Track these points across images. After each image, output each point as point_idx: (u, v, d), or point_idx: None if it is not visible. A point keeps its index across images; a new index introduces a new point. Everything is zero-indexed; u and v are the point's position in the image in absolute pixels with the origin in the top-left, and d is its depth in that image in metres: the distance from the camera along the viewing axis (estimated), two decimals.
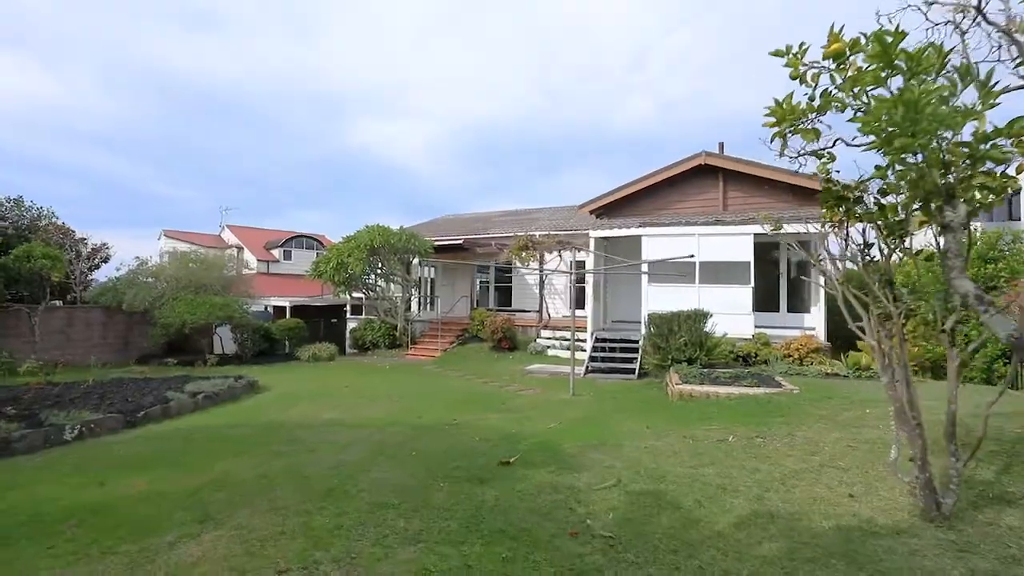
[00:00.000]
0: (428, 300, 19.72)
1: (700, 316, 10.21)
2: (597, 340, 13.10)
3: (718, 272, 12.69)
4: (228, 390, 9.73)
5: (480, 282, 21.00)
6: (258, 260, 26.47)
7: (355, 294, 18.72)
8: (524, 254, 17.13)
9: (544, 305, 16.72)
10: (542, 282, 16.86)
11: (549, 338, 15.99)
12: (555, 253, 17.37)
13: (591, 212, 15.14)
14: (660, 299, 12.51)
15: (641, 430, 6.43)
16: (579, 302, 20.12)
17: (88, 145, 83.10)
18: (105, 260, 18.76)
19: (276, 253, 25.61)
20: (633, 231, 12.97)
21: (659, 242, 12.74)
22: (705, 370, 9.33)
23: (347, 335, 19.46)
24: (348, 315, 20.29)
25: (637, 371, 11.81)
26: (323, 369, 14.78)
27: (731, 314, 11.75)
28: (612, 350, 12.87)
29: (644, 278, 12.89)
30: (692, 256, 11.96)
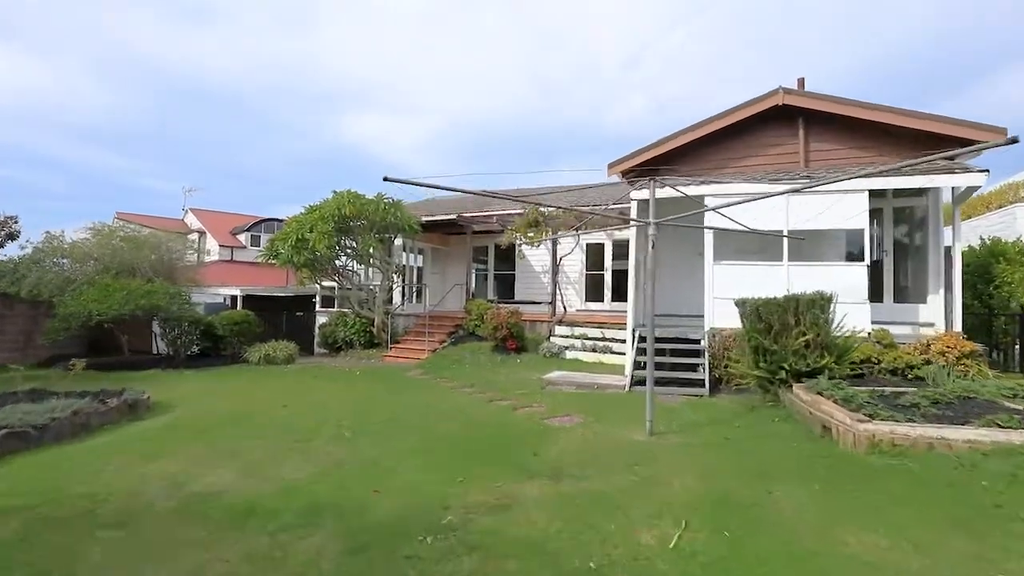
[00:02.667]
0: (414, 290, 15.72)
1: (822, 302, 6.36)
2: (644, 340, 9.21)
3: (813, 245, 8.91)
4: (75, 417, 5.68)
5: (477, 270, 17.05)
6: (220, 246, 22.29)
7: (325, 282, 14.68)
8: (532, 234, 13.22)
9: (559, 296, 12.81)
10: (556, 267, 12.96)
11: (566, 336, 12.09)
12: (569, 234, 13.48)
13: (623, 173, 11.28)
14: (732, 283, 8.70)
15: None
16: (595, 293, 16.28)
17: (75, 137, 77.77)
18: (12, 237, 14.48)
19: (242, 239, 21.57)
20: (693, 190, 9.12)
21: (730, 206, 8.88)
22: (867, 389, 5.47)
23: (316, 332, 15.40)
24: (318, 308, 16.23)
25: (707, 383, 7.97)
26: (270, 376, 10.72)
27: (839, 303, 7.95)
28: (662, 352, 9.01)
29: (708, 256, 9.04)
30: (776, 228, 8.15)
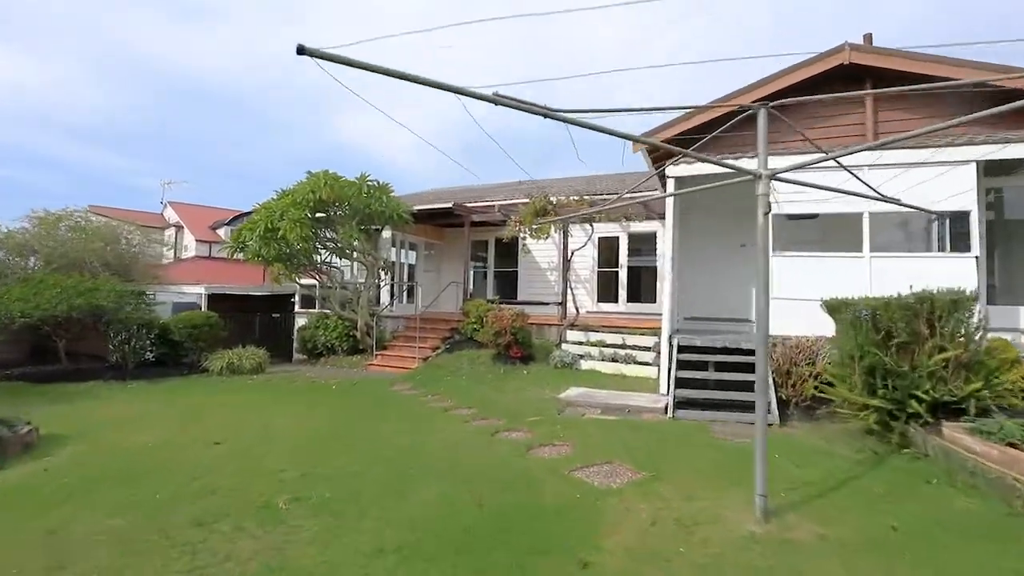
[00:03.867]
0: (404, 289, 13.77)
1: (967, 302, 4.46)
2: (683, 350, 7.30)
3: (893, 233, 7.05)
4: None
5: (475, 267, 15.12)
6: (197, 241, 20.25)
7: (305, 280, 12.72)
8: (537, 228, 11.30)
9: (571, 295, 10.89)
10: (567, 263, 11.04)
11: (580, 343, 10.18)
12: (580, 213, 11.61)
13: (649, 151, 9.35)
14: (798, 280, 6.82)
15: None
16: (607, 292, 14.36)
17: (75, 137, 75.40)
18: None
19: (222, 233, 19.60)
20: (745, 164, 7.21)
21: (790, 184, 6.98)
22: None
23: (295, 336, 13.43)
24: (297, 308, 14.24)
25: (776, 409, 6.07)
26: (228, 391, 8.75)
27: None
28: (700, 365, 7.12)
29: (767, 246, 7.10)
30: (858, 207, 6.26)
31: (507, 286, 14.66)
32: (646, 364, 9.11)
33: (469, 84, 2.72)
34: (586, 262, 13.01)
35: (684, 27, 77.13)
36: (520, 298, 13.70)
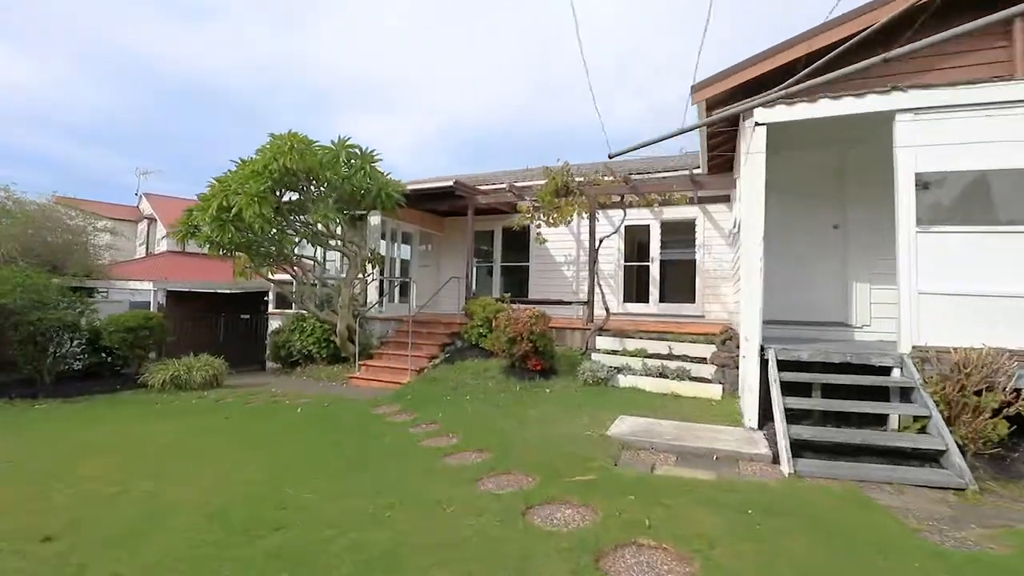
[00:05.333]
0: (396, 286, 11.52)
1: None
2: (786, 366, 5.04)
3: None
4: None
5: (478, 262, 12.90)
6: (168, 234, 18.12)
7: (278, 275, 10.46)
8: (556, 214, 9.11)
9: (600, 293, 8.65)
10: (594, 254, 8.79)
11: (614, 352, 7.95)
12: (598, 213, 9.47)
13: (710, 99, 7.09)
14: (956, 264, 4.59)
15: None
16: (637, 291, 12.11)
17: (66, 134, 72.93)
18: None
19: None
20: (869, 105, 4.96)
21: (948, 126, 4.75)
22: None
23: (267, 341, 11.16)
24: (271, 308, 11.98)
25: (958, 458, 3.83)
26: (154, 417, 6.49)
27: None
28: (802, 389, 4.89)
29: (906, 218, 4.87)
30: None
31: (516, 283, 12.43)
32: (704, 381, 6.90)
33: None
34: (611, 255, 10.81)
35: None
36: (532, 297, 11.47)
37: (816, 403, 4.70)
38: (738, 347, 7.07)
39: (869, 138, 6.41)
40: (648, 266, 10.77)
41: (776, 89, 4.78)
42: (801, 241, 6.63)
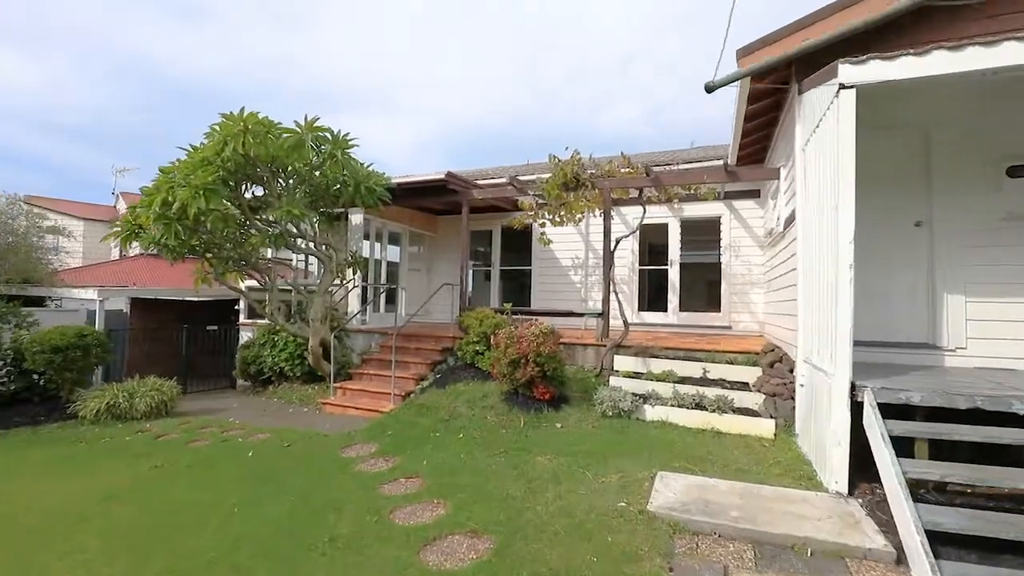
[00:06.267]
0: (381, 294, 10.13)
1: None
2: (901, 414, 3.65)
3: None
4: None
5: (475, 265, 11.55)
6: None
7: (249, 282, 9.07)
8: (564, 211, 7.80)
9: (617, 303, 7.27)
10: (610, 256, 7.41)
11: (636, 374, 6.58)
12: (634, 182, 8.15)
13: (758, 69, 5.72)
14: None
15: None
16: (652, 298, 10.75)
17: (64, 135, 71.21)
18: None
19: None
20: (1012, 55, 3.67)
21: None
22: None
23: (237, 356, 9.75)
24: (242, 319, 10.59)
25: None
26: (61, 465, 5.09)
27: None
28: (949, 448, 3.51)
29: None
30: None
31: (516, 289, 11.09)
32: (750, 413, 5.55)
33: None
34: (624, 258, 9.47)
35: None
36: (535, 306, 10.12)
37: (945, 470, 3.34)
38: (791, 371, 5.73)
39: (959, 117, 5.08)
40: (666, 270, 9.42)
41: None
42: (874, 242, 5.27)
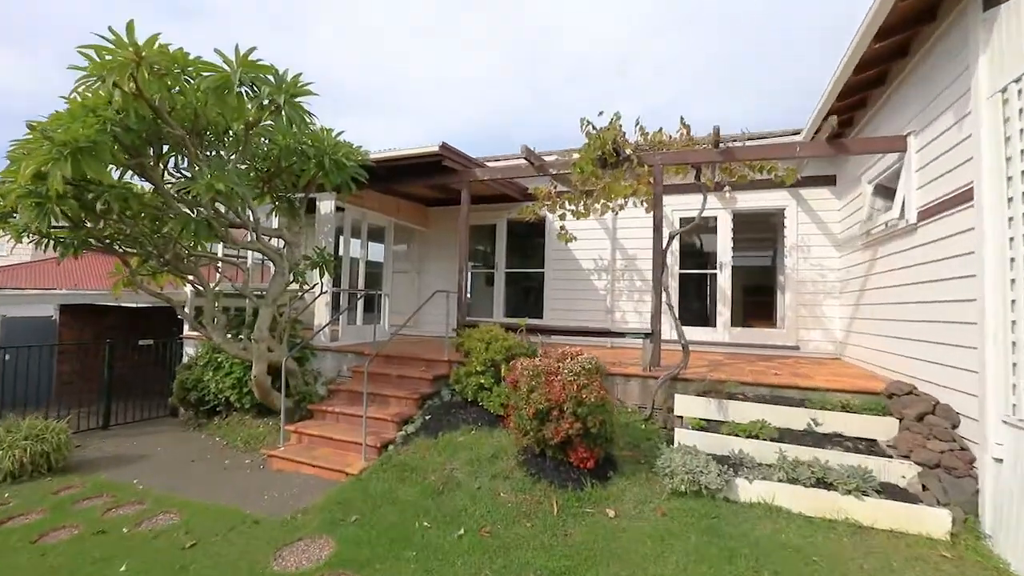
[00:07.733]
0: (359, 300, 8.03)
1: None
2: None
3: None
4: None
5: (474, 268, 9.52)
6: None
7: (187, 287, 6.93)
8: (601, 195, 5.80)
9: (673, 320, 5.26)
10: (661, 257, 5.39)
11: (710, 425, 4.55)
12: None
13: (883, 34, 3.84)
14: None
15: None
16: (696, 311, 8.70)
17: None
18: None
19: None
20: None
21: None
22: None
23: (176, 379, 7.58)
24: (187, 331, 8.47)
25: None
26: None
27: None
28: None
29: None
30: None
31: (522, 294, 9.06)
32: (897, 492, 3.59)
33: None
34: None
35: None
36: (547, 318, 8.12)
37: None
38: (954, 427, 3.77)
39: None
40: (712, 275, 7.47)
41: None
42: None
